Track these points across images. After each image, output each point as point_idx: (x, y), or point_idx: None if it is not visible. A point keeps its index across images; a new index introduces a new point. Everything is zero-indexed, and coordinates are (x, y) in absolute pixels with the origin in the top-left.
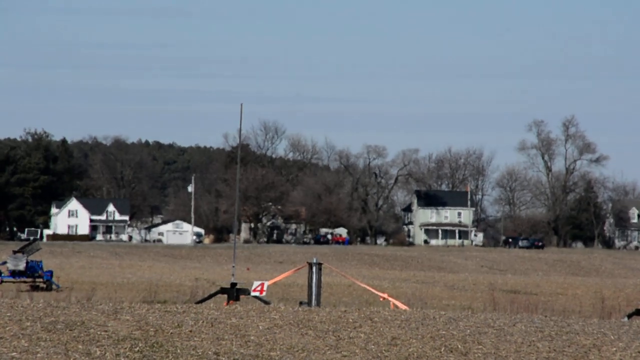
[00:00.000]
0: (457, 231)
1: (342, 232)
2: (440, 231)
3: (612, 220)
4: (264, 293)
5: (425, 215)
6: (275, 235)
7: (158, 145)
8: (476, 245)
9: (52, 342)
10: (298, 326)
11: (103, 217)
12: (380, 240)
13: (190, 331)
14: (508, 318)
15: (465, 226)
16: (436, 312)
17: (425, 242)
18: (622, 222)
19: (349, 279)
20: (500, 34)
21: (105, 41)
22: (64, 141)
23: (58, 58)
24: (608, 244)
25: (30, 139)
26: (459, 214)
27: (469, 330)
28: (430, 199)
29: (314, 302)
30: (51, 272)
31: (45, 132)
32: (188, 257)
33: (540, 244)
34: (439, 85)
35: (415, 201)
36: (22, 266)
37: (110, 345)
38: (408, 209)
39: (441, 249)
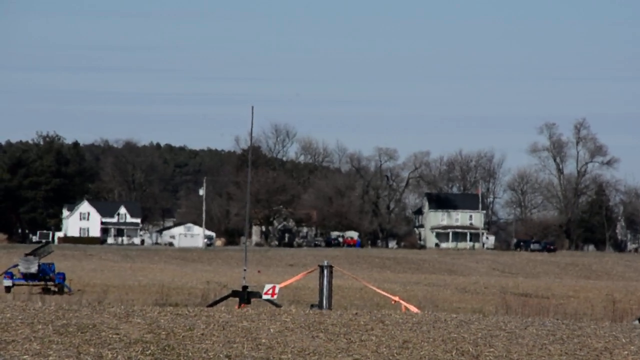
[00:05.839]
0: (468, 234)
1: (353, 235)
2: (451, 234)
3: (623, 223)
4: (276, 296)
5: (436, 218)
6: (286, 238)
7: (169, 148)
8: (487, 248)
9: (63, 345)
10: (309, 329)
11: (114, 220)
12: (392, 243)
13: (202, 334)
14: (520, 321)
15: (477, 229)
16: (447, 315)
17: (437, 245)
18: (633, 225)
19: (360, 281)
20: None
21: (116, 43)
22: (75, 144)
23: (69, 61)
24: (620, 247)
25: (42, 142)
26: (470, 216)
27: (480, 334)
28: (441, 202)
29: (325, 305)
30: (63, 275)
31: (57, 135)
32: (199, 260)
33: (552, 247)
34: (450, 87)
35: (426, 204)
36: (33, 269)
37: (122, 349)
38: (419, 211)
39: (452, 251)
